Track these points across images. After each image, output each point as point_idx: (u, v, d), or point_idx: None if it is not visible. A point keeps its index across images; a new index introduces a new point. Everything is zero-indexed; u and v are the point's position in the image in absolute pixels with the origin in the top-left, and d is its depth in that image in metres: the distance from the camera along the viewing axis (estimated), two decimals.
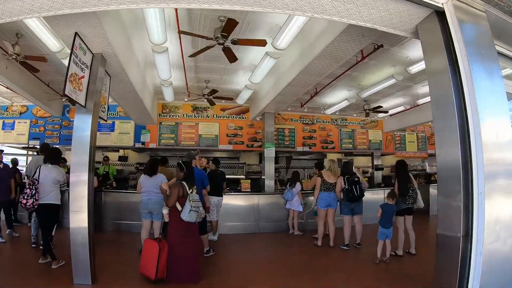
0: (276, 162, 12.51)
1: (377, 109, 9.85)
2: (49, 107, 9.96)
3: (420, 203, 6.05)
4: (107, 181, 9.72)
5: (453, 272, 2.65)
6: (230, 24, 4.80)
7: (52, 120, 10.76)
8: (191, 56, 5.91)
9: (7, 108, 10.81)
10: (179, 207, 4.42)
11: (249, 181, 9.13)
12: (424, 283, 4.41)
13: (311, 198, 7.81)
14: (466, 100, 2.75)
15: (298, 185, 8.03)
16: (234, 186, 9.39)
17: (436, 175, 11.54)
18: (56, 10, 3.50)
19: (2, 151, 7.43)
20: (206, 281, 4.70)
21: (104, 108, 5.72)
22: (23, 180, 7.62)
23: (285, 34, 5.07)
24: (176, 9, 4.84)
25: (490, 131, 2.67)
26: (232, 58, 5.79)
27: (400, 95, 9.71)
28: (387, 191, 6.78)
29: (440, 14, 3.16)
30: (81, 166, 4.52)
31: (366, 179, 8.00)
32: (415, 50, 6.38)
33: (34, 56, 6.17)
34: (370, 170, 13.91)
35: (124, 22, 5.46)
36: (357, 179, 6.58)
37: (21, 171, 8.27)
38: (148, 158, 9.46)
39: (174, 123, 10.89)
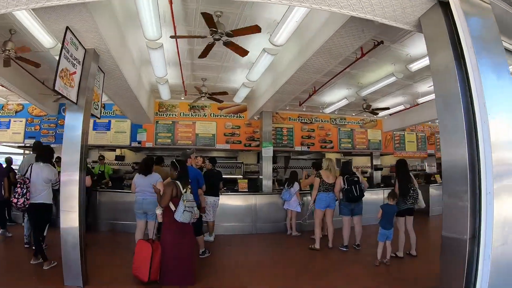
0: (274, 162, 12.44)
1: (376, 110, 9.76)
2: (44, 106, 9.82)
3: (421, 203, 5.94)
4: (102, 180, 9.58)
5: (459, 277, 2.51)
6: (206, 18, 4.61)
7: (48, 119, 10.62)
8: (200, 57, 5.74)
9: (2, 106, 10.67)
10: (172, 207, 4.28)
11: (246, 181, 8.99)
12: (426, 286, 4.29)
13: (309, 197, 7.68)
14: (473, 96, 2.61)
15: (296, 185, 7.89)
16: (231, 186, 9.25)
17: (436, 176, 11.61)
18: (45, 1, 3.38)
19: None
20: (201, 283, 4.59)
21: (97, 105, 5.60)
22: (18, 180, 7.46)
23: (283, 29, 4.92)
24: (171, 4, 4.69)
25: (499, 128, 2.53)
26: (241, 52, 5.55)
27: (400, 94, 9.60)
28: (387, 191, 6.67)
29: (444, 5, 3.02)
30: (72, 165, 4.41)
31: (366, 179, 7.91)
32: (415, 47, 6.27)
33: (30, 60, 6.10)
34: (369, 170, 13.82)
35: (117, 17, 5.33)
36: (356, 178, 6.45)
37: (16, 170, 8.14)
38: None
39: (170, 122, 10.75)
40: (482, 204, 2.45)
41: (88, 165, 8.41)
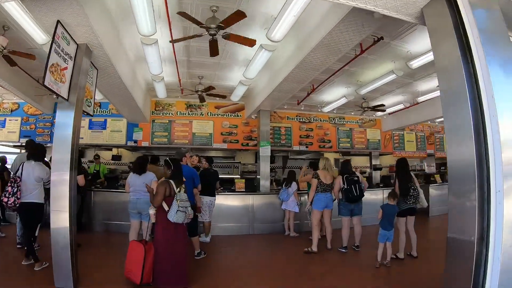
0: (273, 161, 12.34)
1: (375, 108, 9.64)
2: (40, 105, 9.71)
3: (424, 203, 5.82)
4: (97, 180, 9.46)
5: (466, 280, 2.36)
6: (236, 16, 4.47)
7: (43, 118, 10.49)
8: (174, 41, 5.54)
9: None
10: (165, 207, 4.14)
11: (243, 180, 8.86)
12: None
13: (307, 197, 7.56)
14: (481, 91, 2.46)
15: (294, 185, 7.78)
16: (229, 186, 9.14)
17: (435, 175, 11.52)
18: None
19: None
20: (196, 285, 4.50)
21: (90, 102, 5.47)
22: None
23: (280, 24, 4.76)
24: None
25: (508, 124, 2.38)
26: (215, 51, 5.46)
27: (400, 92, 9.48)
28: (386, 191, 6.55)
29: None
30: (63, 164, 4.32)
31: (365, 179, 7.82)
32: (416, 43, 6.13)
33: (23, 53, 5.95)
34: (368, 170, 13.73)
35: (110, 12, 5.20)
36: (356, 178, 6.32)
37: (10, 169, 8.03)
38: None
39: (167, 121, 10.60)
40: (491, 204, 2.31)
41: (83, 165, 8.33)
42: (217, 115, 10.92)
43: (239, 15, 4.44)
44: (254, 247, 7.10)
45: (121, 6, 5.13)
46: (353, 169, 6.67)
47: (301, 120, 11.76)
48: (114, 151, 12.33)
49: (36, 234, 5.07)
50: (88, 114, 5.40)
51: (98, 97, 9.19)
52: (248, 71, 6.98)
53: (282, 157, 13.84)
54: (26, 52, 6.00)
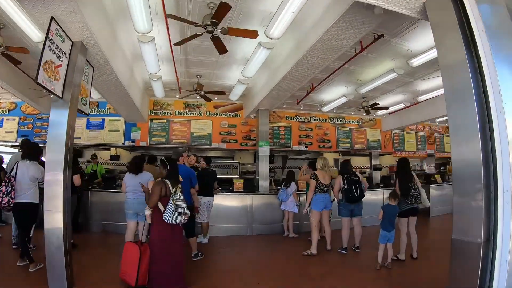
0: (272, 161, 12.25)
1: (375, 107, 9.55)
2: (37, 104, 9.56)
3: (426, 203, 5.73)
4: (94, 180, 9.38)
5: (471, 284, 2.26)
6: (222, 9, 4.39)
7: (41, 117, 10.38)
8: (176, 44, 5.50)
9: None
10: (161, 207, 4.03)
11: (242, 181, 8.76)
12: None
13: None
14: (487, 88, 2.37)
15: (293, 185, 7.69)
16: (227, 186, 9.04)
17: (436, 176, 11.44)
18: None
19: None
20: (193, 287, 4.43)
21: (86, 101, 5.39)
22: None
23: (279, 21, 4.68)
24: None
25: None
26: (221, 48, 5.37)
27: (400, 91, 9.40)
28: (386, 191, 6.46)
29: None
30: (57, 164, 4.26)
31: (365, 179, 7.74)
32: (417, 41, 6.05)
33: (17, 47, 5.86)
34: (368, 170, 13.65)
35: (106, 9, 5.10)
36: (357, 178, 6.21)
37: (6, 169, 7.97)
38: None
39: (165, 121, 10.50)
40: (498, 204, 2.21)
41: (80, 164, 8.23)
42: (216, 114, 10.83)
43: (224, 7, 4.35)
44: (252, 248, 7.01)
45: (117, 2, 5.06)
46: (353, 169, 6.58)
47: (300, 119, 11.67)
48: (113, 151, 12.24)
49: (30, 235, 4.99)
50: (83, 113, 5.31)
51: (96, 96, 9.14)
52: (247, 69, 6.90)
53: (282, 157, 13.75)
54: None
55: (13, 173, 4.92)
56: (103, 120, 10.42)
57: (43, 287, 4.07)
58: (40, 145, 5.53)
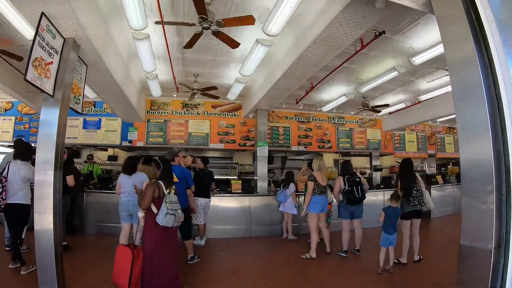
0: (271, 162, 12.10)
1: (376, 108, 9.42)
2: (33, 103, 9.46)
3: (430, 204, 5.56)
4: (90, 180, 9.23)
5: None
6: (197, 2, 4.20)
7: (38, 117, 10.18)
8: (185, 47, 5.35)
9: None
10: (154, 209, 3.88)
11: (240, 181, 8.62)
12: None
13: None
14: (499, 83, 2.21)
15: (292, 186, 7.53)
16: (225, 187, 8.89)
17: (437, 176, 11.30)
18: None
19: None
20: None
21: (79, 99, 5.23)
22: None
23: (277, 17, 4.54)
24: None
25: None
26: (231, 43, 5.15)
27: (401, 91, 9.27)
28: (387, 192, 6.31)
29: None
30: (47, 163, 4.12)
31: (366, 179, 7.59)
32: (419, 38, 5.91)
33: (11, 53, 5.86)
34: (368, 171, 13.51)
35: (99, 5, 4.98)
36: (358, 179, 6.07)
37: None
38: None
39: (162, 121, 10.37)
40: (511, 207, 2.06)
41: (75, 165, 8.09)
42: (214, 114, 10.69)
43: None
44: (251, 251, 6.85)
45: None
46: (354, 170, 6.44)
47: (299, 119, 11.53)
48: (110, 152, 12.10)
49: (22, 237, 4.92)
50: (76, 111, 5.16)
51: (92, 95, 9.00)
52: (245, 68, 6.74)
53: (281, 158, 13.61)
54: (15, 50, 5.91)
55: (4, 173, 4.81)
56: (100, 120, 10.27)
57: None
58: (34, 145, 5.41)
